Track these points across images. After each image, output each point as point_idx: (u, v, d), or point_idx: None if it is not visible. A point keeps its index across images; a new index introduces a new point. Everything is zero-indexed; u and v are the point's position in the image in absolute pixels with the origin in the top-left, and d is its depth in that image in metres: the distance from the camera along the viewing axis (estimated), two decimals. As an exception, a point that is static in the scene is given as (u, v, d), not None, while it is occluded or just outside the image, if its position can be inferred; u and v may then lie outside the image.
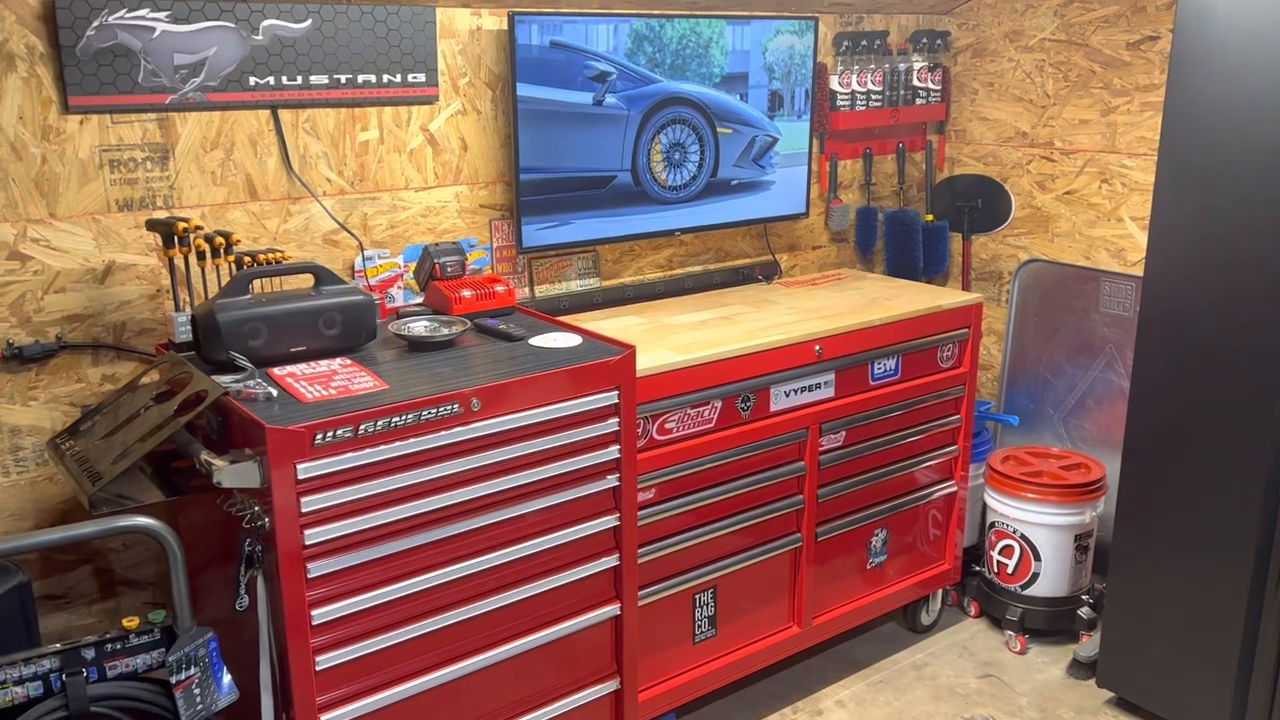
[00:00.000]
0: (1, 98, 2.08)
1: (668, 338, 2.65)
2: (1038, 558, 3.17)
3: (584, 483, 2.22)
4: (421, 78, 2.57)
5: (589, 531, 2.25)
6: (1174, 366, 2.59)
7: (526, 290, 2.91)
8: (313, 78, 2.42)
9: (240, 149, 2.37)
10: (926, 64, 3.62)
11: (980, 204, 3.74)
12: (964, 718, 2.88)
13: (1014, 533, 3.19)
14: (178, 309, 2.20)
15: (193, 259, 2.18)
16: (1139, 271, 3.28)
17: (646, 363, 2.40)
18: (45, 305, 2.19)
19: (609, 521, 2.28)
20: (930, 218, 3.75)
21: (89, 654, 1.78)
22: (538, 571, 2.19)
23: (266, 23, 2.33)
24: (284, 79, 2.38)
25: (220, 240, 2.17)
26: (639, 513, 2.41)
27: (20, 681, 1.73)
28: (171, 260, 2.17)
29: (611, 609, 2.33)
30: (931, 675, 3.08)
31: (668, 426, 2.50)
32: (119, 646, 1.80)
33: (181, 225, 2.12)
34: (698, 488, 2.59)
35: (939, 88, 3.68)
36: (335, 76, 2.45)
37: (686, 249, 3.25)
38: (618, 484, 2.28)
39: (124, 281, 2.28)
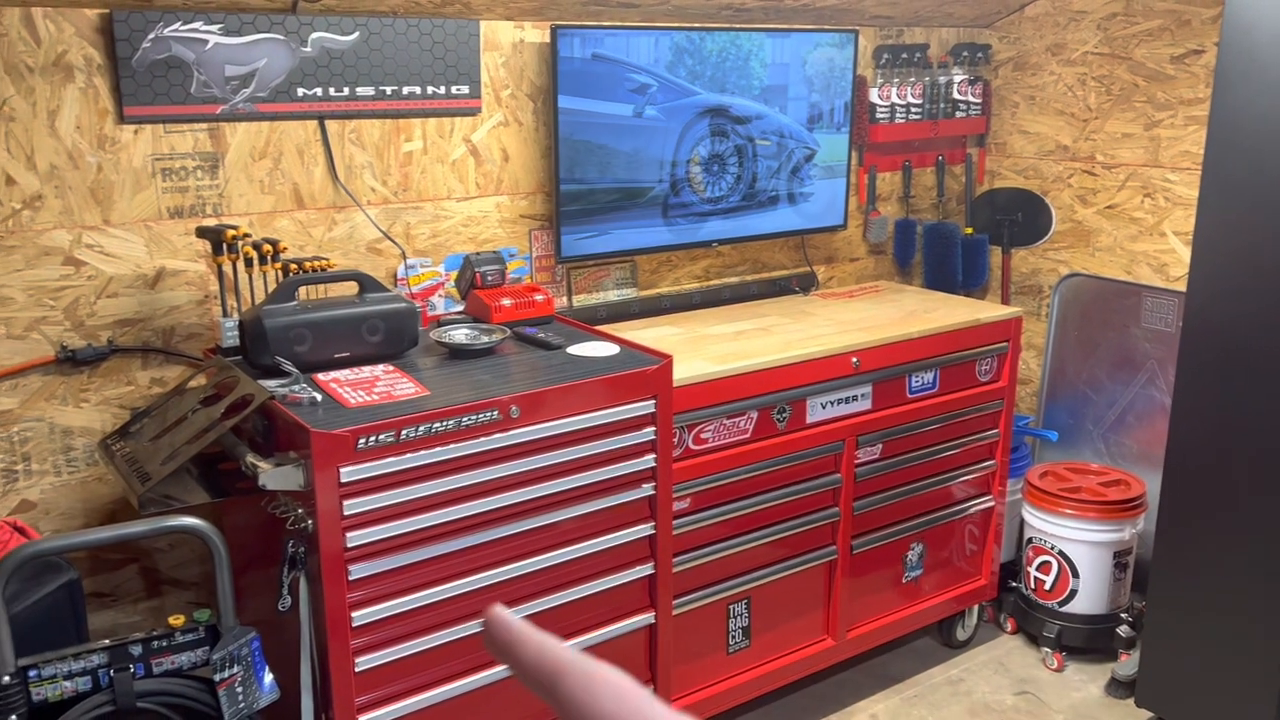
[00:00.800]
0: (60, 108, 2.14)
1: (704, 348, 2.67)
2: (1076, 574, 3.14)
3: (620, 491, 2.23)
4: (465, 89, 2.61)
5: (624, 539, 2.27)
6: (1217, 383, 2.56)
7: (565, 300, 2.93)
8: (359, 89, 2.46)
9: (288, 158, 2.42)
10: (967, 77, 3.61)
11: (1020, 217, 3.72)
12: (999, 734, 2.86)
13: (1052, 549, 3.17)
14: (225, 314, 2.25)
15: (240, 266, 2.23)
16: (1181, 287, 3.24)
17: (683, 372, 2.41)
18: (98, 309, 2.25)
19: (644, 530, 2.30)
20: (970, 231, 3.73)
21: (136, 650, 1.82)
22: (573, 578, 2.21)
23: (315, 35, 2.38)
24: (331, 90, 2.43)
25: (268, 248, 2.21)
26: (674, 522, 2.42)
27: (70, 676, 1.77)
28: (220, 267, 2.22)
29: (646, 617, 2.35)
30: (967, 691, 3.06)
31: (704, 436, 2.51)
32: (165, 644, 1.84)
33: (230, 233, 2.17)
34: (733, 498, 2.60)
35: (979, 101, 3.67)
36: (381, 88, 2.49)
37: (724, 260, 3.26)
38: (653, 493, 2.29)
39: (174, 287, 2.33)
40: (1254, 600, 2.55)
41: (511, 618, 0.43)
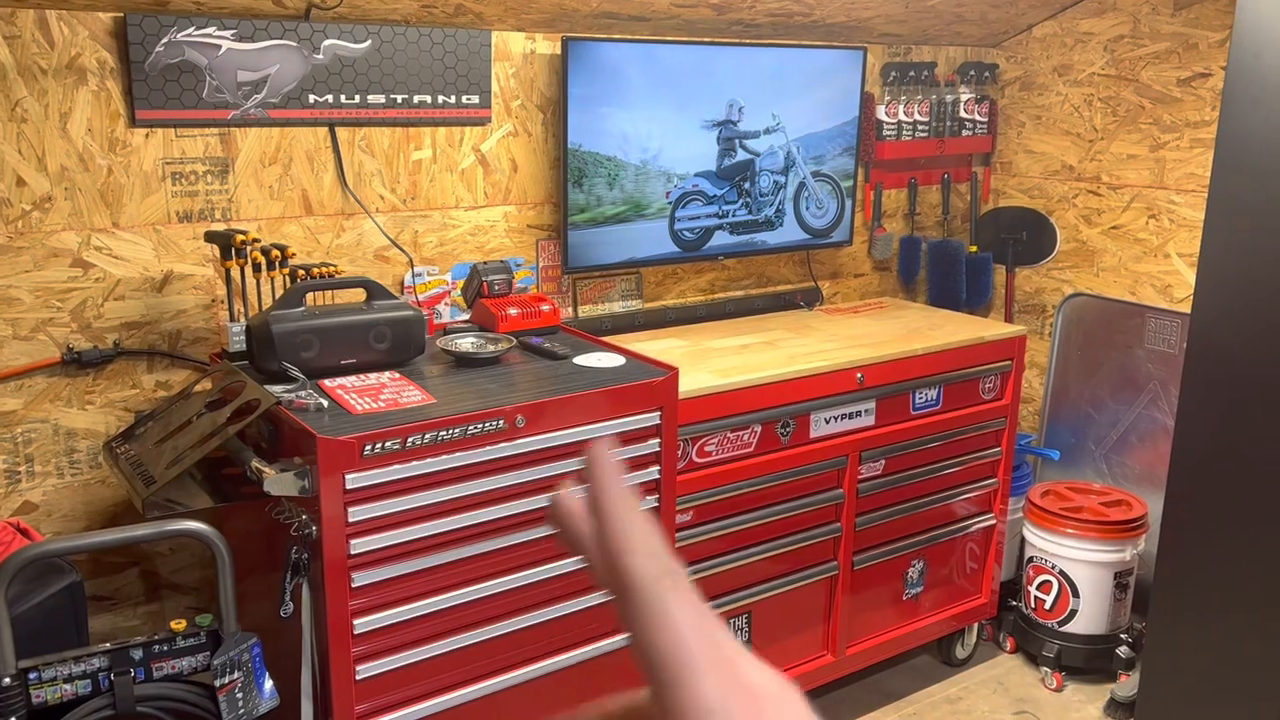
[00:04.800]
0: (72, 110, 2.15)
1: (709, 361, 2.67)
2: (1076, 594, 3.13)
3: (624, 502, 2.23)
4: (475, 99, 2.62)
5: (627, 551, 2.26)
6: (1221, 405, 2.56)
7: (570, 310, 2.94)
8: (370, 97, 2.47)
9: (298, 165, 2.43)
10: (974, 96, 3.63)
11: (1025, 236, 3.73)
12: (998, 754, 2.85)
13: (1052, 568, 3.16)
14: (232, 319, 2.25)
15: (248, 271, 2.23)
16: (1186, 308, 3.25)
17: (687, 385, 2.41)
18: (105, 312, 2.25)
19: (647, 542, 2.29)
20: (974, 249, 3.74)
21: (137, 654, 1.81)
22: (576, 590, 2.20)
23: (328, 42, 2.39)
24: (342, 98, 2.44)
25: (276, 253, 2.22)
26: (676, 534, 2.41)
27: (70, 679, 1.76)
28: (228, 271, 2.22)
29: (647, 630, 2.34)
30: (966, 710, 3.05)
31: (707, 449, 2.51)
32: (166, 648, 1.84)
33: (239, 238, 2.17)
34: (735, 512, 2.60)
35: (985, 120, 3.68)
36: (392, 96, 2.50)
37: (729, 274, 3.27)
38: (657, 505, 2.29)
39: (181, 291, 2.34)
40: (1255, 624, 2.54)
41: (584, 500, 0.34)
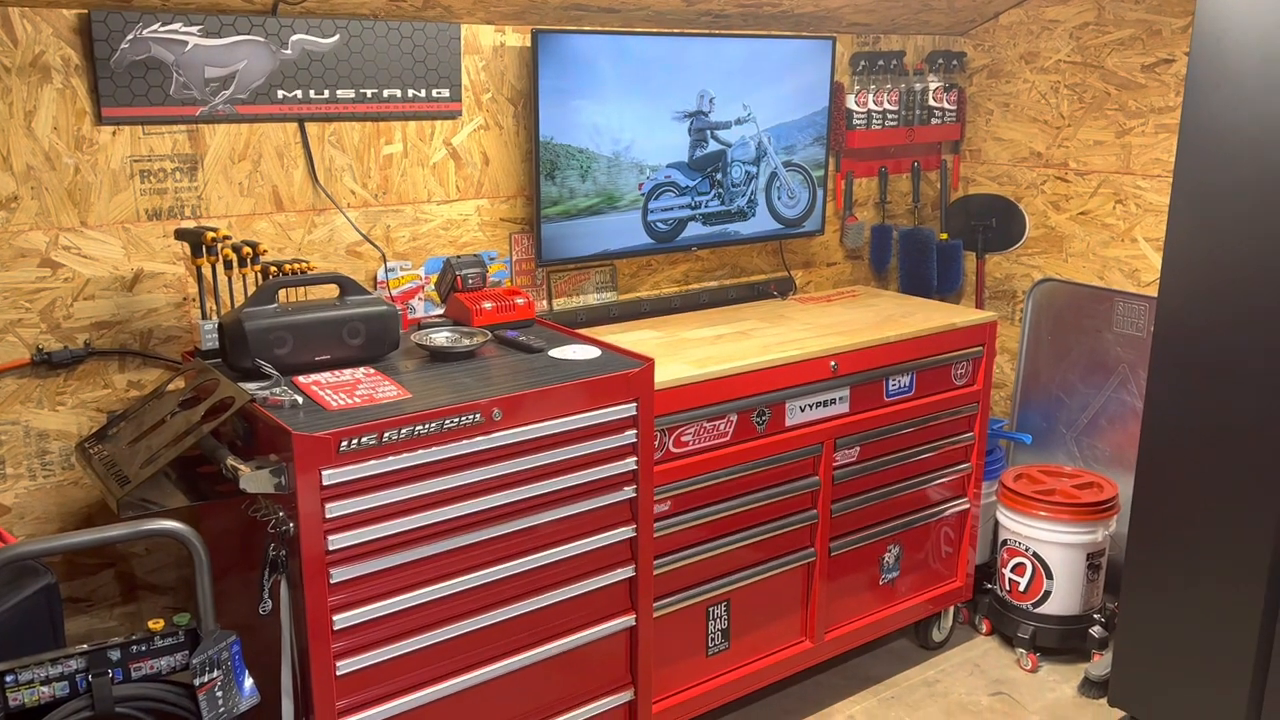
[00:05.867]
0: (37, 109, 2.13)
1: (684, 352, 2.68)
2: (1050, 576, 3.17)
3: (601, 494, 2.24)
4: (446, 93, 2.62)
5: (605, 542, 2.27)
6: (1187, 387, 2.60)
7: (545, 303, 2.94)
8: (339, 92, 2.46)
9: (267, 161, 2.42)
10: (942, 84, 3.65)
11: (994, 223, 3.76)
12: (975, 735, 2.89)
13: (1026, 550, 3.20)
14: (205, 317, 2.24)
15: (220, 268, 2.22)
16: (1153, 292, 3.30)
17: (663, 376, 2.43)
18: (74, 312, 2.23)
19: (625, 533, 2.30)
20: (945, 236, 3.77)
21: (114, 655, 1.80)
22: (554, 581, 2.21)
23: (295, 37, 2.37)
24: (311, 93, 2.42)
25: (247, 250, 2.20)
26: (655, 524, 2.43)
27: (47, 681, 1.75)
28: (199, 269, 2.21)
29: (627, 620, 2.35)
30: (943, 692, 3.09)
31: (684, 439, 2.52)
32: (144, 648, 1.83)
33: (209, 235, 2.16)
34: (713, 501, 2.61)
35: (954, 108, 3.71)
36: (361, 91, 2.49)
37: (703, 264, 3.28)
38: (634, 495, 2.30)
39: (151, 289, 2.32)
40: (1224, 601, 2.59)
41: None
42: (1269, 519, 2.47)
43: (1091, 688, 3.07)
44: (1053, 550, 3.15)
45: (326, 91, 2.44)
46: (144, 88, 2.21)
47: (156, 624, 1.85)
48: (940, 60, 3.65)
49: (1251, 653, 2.54)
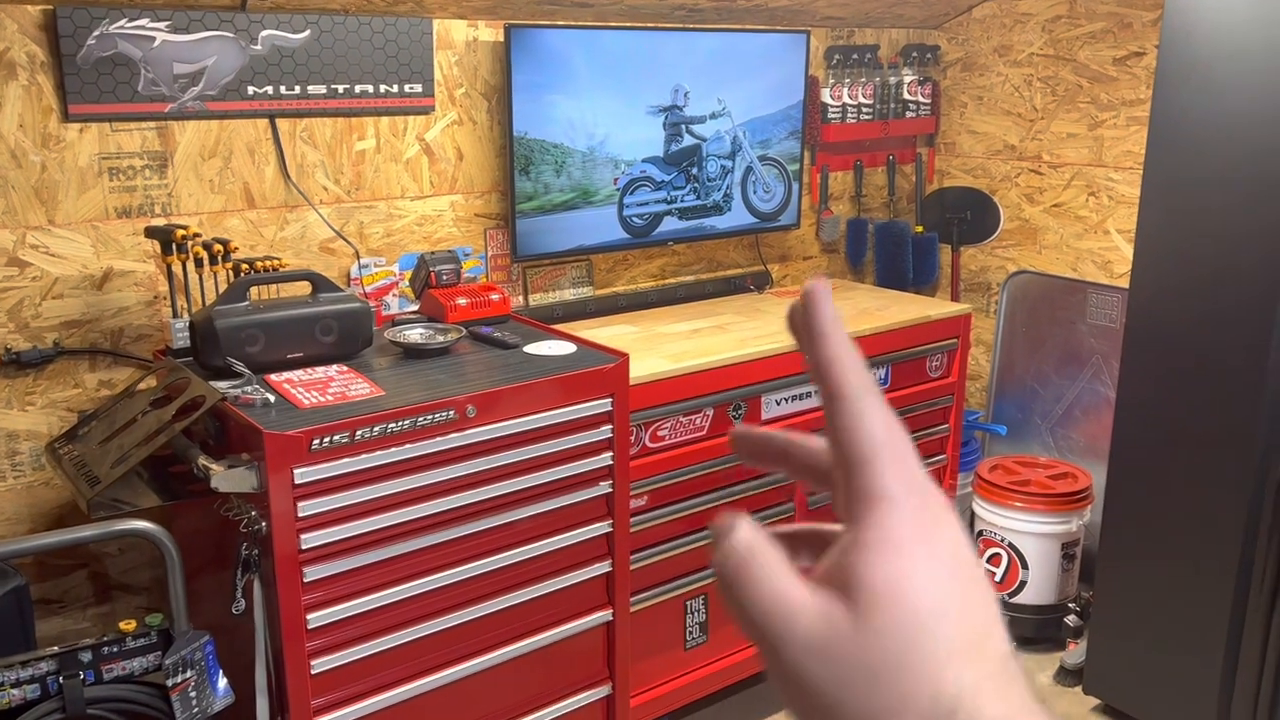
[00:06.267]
0: (2, 105, 2.10)
1: (660, 346, 2.68)
2: (1025, 566, 3.20)
3: (577, 489, 2.24)
4: (418, 88, 2.60)
5: (582, 537, 2.27)
6: (1159, 377, 2.62)
7: (521, 299, 2.93)
8: (311, 87, 2.44)
9: (238, 157, 2.40)
10: (916, 77, 3.67)
11: (969, 216, 3.78)
12: (952, 724, 2.90)
13: (1001, 541, 3.23)
14: (175, 315, 2.22)
15: (190, 266, 2.20)
16: (1125, 283, 3.32)
17: (639, 371, 2.43)
18: (43, 311, 2.21)
19: (602, 528, 2.31)
20: (920, 229, 3.79)
21: (86, 657, 1.79)
22: (531, 577, 2.21)
23: (265, 33, 2.35)
24: (282, 89, 2.41)
25: (218, 248, 2.19)
26: (631, 519, 2.43)
27: (18, 684, 1.74)
28: (169, 267, 2.19)
29: (604, 615, 2.36)
30: (920, 682, 3.10)
31: (660, 434, 2.52)
32: (116, 649, 1.82)
33: (180, 232, 2.14)
34: (690, 495, 2.62)
35: (929, 101, 3.72)
36: (333, 86, 2.48)
37: (679, 259, 3.28)
38: (610, 490, 2.30)
39: (121, 288, 2.30)
40: (1197, 589, 2.62)
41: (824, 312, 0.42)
42: (1240, 508, 2.50)
43: (1067, 676, 3.10)
44: (1028, 541, 3.18)
45: (298, 87, 2.43)
46: (111, 84, 2.19)
47: (128, 625, 1.84)
48: (914, 53, 3.66)
49: (1223, 640, 2.57)
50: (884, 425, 0.40)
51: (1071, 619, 3.21)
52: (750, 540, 0.39)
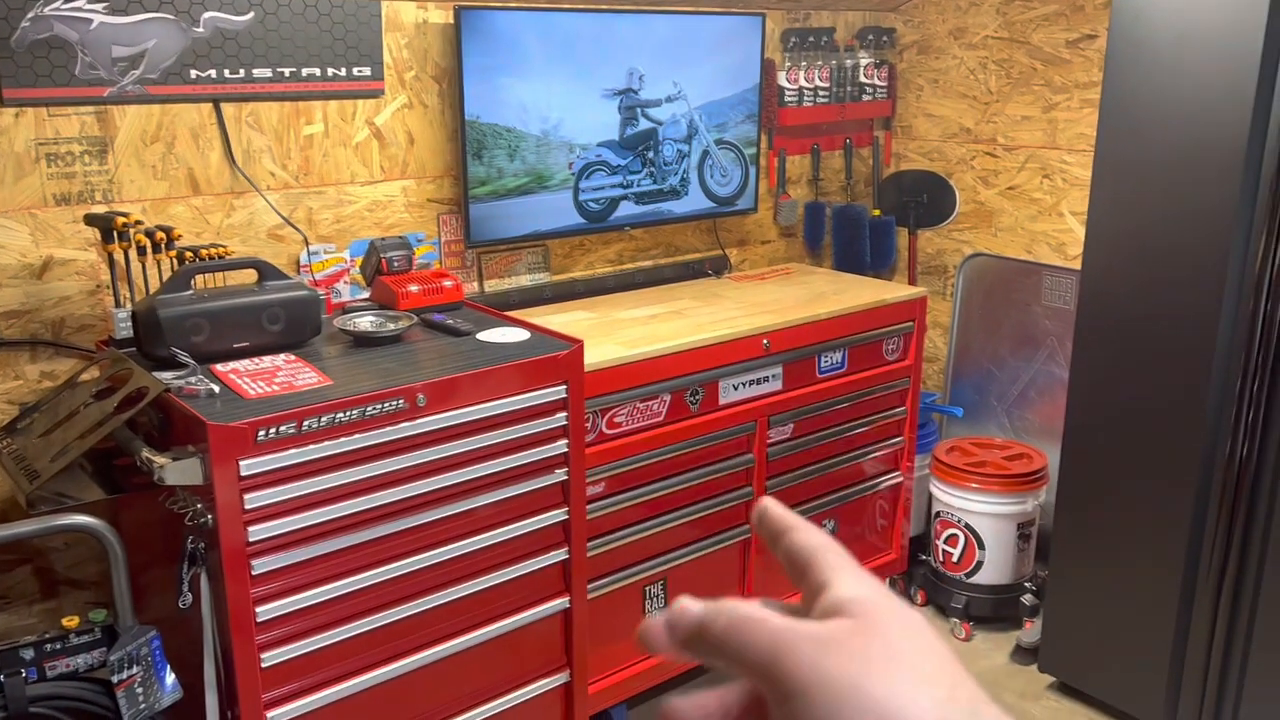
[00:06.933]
0: (-68, 90, 2.04)
1: (617, 332, 2.67)
2: (982, 546, 3.23)
3: (532, 477, 2.22)
4: (367, 71, 2.56)
5: (538, 526, 2.26)
6: (1110, 358, 2.65)
7: (475, 285, 2.90)
8: (256, 71, 2.39)
9: (181, 143, 2.35)
10: (873, 60, 3.66)
11: (925, 199, 3.79)
12: (910, 704, 2.93)
13: (959, 522, 3.25)
14: (118, 305, 2.17)
15: (133, 254, 2.15)
16: (1079, 265, 3.35)
17: (595, 357, 2.41)
18: (-20, 301, 2.15)
19: (558, 515, 2.29)
20: (877, 213, 3.80)
21: (27, 654, 1.75)
22: (486, 566, 2.19)
23: (207, 15, 2.30)
24: (226, 72, 2.36)
25: (161, 235, 2.14)
26: (588, 506, 2.42)
27: (-44, 684, 1.70)
28: (111, 255, 2.14)
29: (561, 602, 2.34)
30: (879, 663, 3.13)
31: (617, 420, 2.51)
32: (59, 646, 1.78)
33: (121, 220, 2.09)
34: (647, 481, 2.61)
35: (885, 84, 3.73)
36: (279, 70, 2.43)
37: (637, 244, 3.26)
38: (566, 478, 2.29)
39: (62, 277, 2.24)
40: (1148, 568, 2.66)
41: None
42: (1188, 487, 2.53)
43: (1023, 654, 3.13)
44: (984, 521, 3.21)
45: (242, 70, 2.38)
46: (47, 68, 2.13)
47: (71, 621, 1.81)
48: (870, 36, 3.66)
49: (1173, 618, 2.61)
50: (857, 570, 0.44)
51: (1027, 598, 3.25)
52: (732, 602, 0.43)
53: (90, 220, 2.15)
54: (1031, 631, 3.15)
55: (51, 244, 2.22)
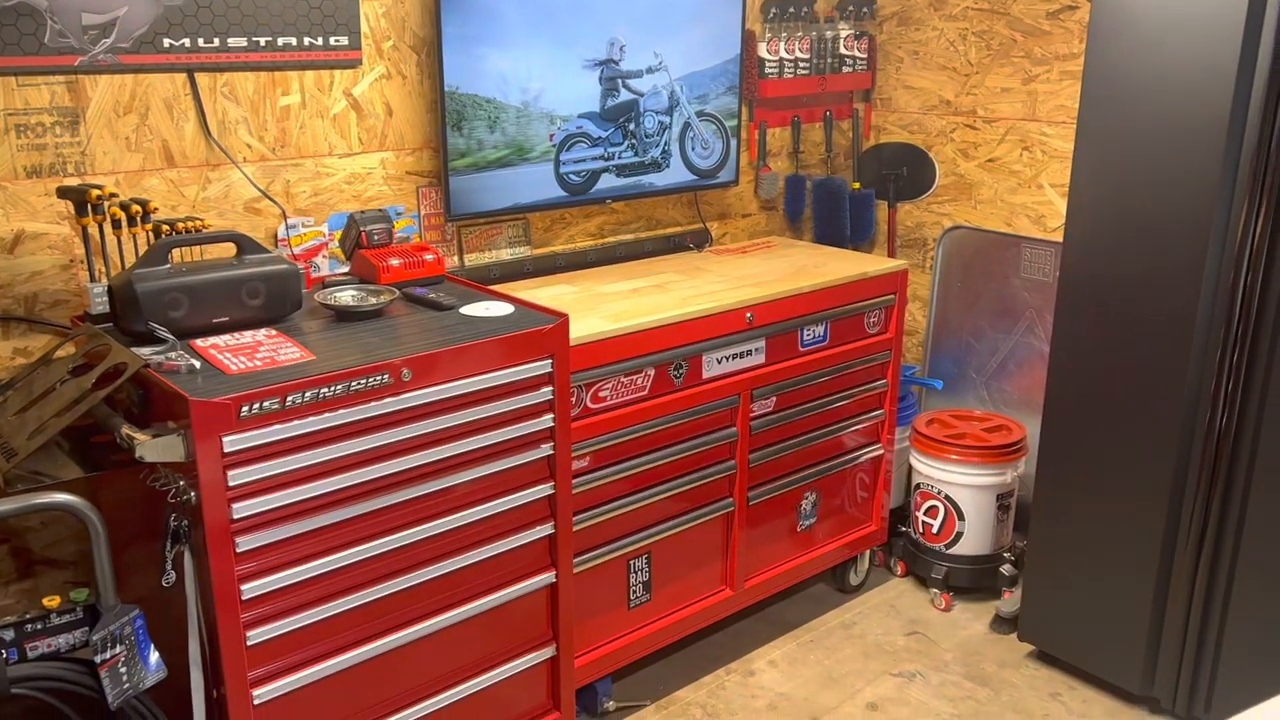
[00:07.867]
0: (-104, 58, 1.98)
1: (600, 306, 2.65)
2: (961, 517, 3.25)
3: (517, 452, 2.21)
4: (344, 40, 2.51)
5: (523, 501, 2.25)
6: (1091, 331, 2.66)
7: (455, 259, 2.87)
8: (230, 40, 2.34)
9: (155, 113, 2.30)
10: (853, 32, 3.65)
11: (905, 172, 3.79)
12: (892, 674, 2.96)
13: (938, 493, 3.28)
14: (93, 279, 2.13)
15: (107, 228, 2.11)
16: (1058, 238, 3.36)
17: (579, 331, 2.40)
18: (-50, 276, 2.11)
19: (543, 490, 2.28)
20: (857, 185, 3.79)
21: (8, 635, 1.73)
22: (472, 542, 2.18)
23: (180, -18, 2.25)
24: (200, 41, 2.30)
25: (136, 208, 2.10)
26: (573, 481, 2.41)
27: (-65, 665, 1.67)
28: (85, 229, 2.10)
29: (547, 577, 2.34)
30: (860, 634, 3.16)
31: (601, 395, 2.50)
32: (40, 626, 1.76)
33: (95, 193, 2.05)
34: (632, 455, 2.60)
35: (865, 56, 3.71)
36: (254, 39, 2.38)
37: (618, 217, 3.24)
38: (551, 453, 2.28)
39: (35, 251, 2.20)
40: (1125, 538, 2.69)
41: None
42: (1168, 459, 2.56)
43: (1002, 624, 3.17)
44: (964, 492, 3.23)
45: (217, 39, 2.33)
46: (15, 36, 2.08)
47: (52, 601, 1.78)
48: (851, 7, 3.64)
49: (1151, 588, 2.65)
50: None
51: (1007, 568, 3.28)
52: None
53: (63, 193, 2.10)
54: (1010, 601, 3.18)
55: (23, 218, 2.17)
